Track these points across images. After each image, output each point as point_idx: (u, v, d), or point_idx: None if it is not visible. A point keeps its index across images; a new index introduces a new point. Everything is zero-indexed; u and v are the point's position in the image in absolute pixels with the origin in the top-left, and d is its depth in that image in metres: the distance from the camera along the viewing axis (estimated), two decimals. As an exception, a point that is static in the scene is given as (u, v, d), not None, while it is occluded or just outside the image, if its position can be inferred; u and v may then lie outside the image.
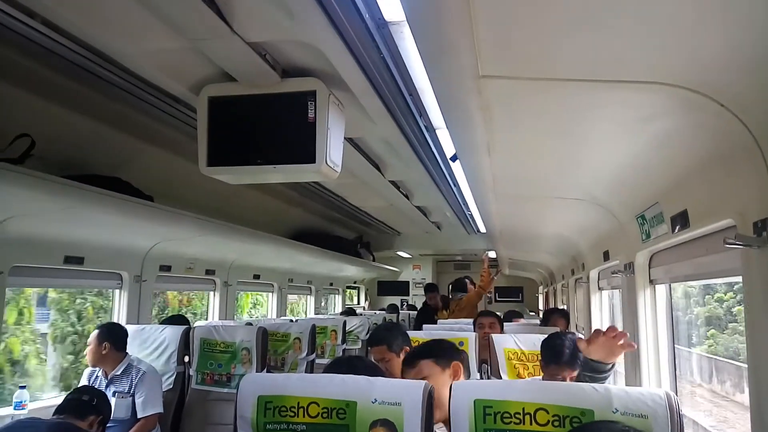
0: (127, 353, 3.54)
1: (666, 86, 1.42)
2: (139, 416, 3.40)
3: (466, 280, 7.28)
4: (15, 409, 3.13)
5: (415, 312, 9.03)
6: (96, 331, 3.48)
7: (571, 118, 1.80)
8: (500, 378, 3.25)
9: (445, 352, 2.12)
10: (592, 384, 1.44)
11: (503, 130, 1.96)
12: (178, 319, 4.40)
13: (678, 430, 1.33)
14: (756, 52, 1.24)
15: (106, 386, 3.43)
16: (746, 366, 1.62)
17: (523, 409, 1.36)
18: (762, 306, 1.47)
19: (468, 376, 3.34)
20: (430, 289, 8.33)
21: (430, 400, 1.44)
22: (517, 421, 1.36)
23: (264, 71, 2.45)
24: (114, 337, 3.52)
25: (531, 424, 1.35)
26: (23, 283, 3.54)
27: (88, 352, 3.44)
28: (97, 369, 3.50)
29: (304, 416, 1.47)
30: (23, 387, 3.22)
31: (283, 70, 2.54)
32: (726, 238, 1.49)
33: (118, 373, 3.45)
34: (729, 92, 1.38)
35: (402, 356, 2.90)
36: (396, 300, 11.07)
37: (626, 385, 3.04)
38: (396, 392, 1.45)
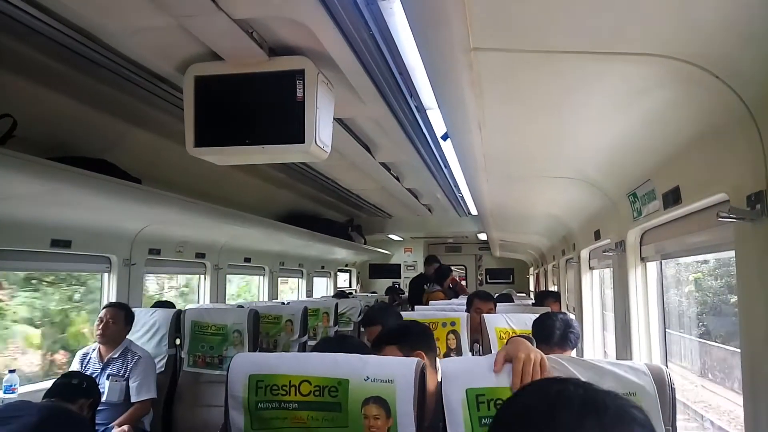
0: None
1: (660, 58, 1.39)
2: (132, 400, 3.40)
3: (451, 272, 7.32)
4: (5, 393, 3.11)
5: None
6: (123, 312, 3.53)
7: (564, 93, 1.78)
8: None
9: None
10: (582, 360, 1.45)
11: (495, 106, 1.93)
12: (164, 305, 4.39)
13: (670, 405, 1.34)
14: (752, 23, 1.22)
15: (102, 369, 3.42)
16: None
17: None
18: (756, 280, 1.47)
19: (460, 354, 3.37)
20: (428, 261, 8.38)
21: (422, 377, 1.44)
22: None
23: (251, 49, 2.40)
24: (132, 320, 3.59)
25: None
26: (8, 266, 3.50)
27: (111, 330, 3.44)
28: (91, 350, 3.50)
29: (296, 394, 1.46)
30: (13, 371, 3.20)
31: (271, 49, 2.50)
32: (720, 211, 1.48)
33: (116, 355, 3.45)
34: (724, 64, 1.36)
35: None
36: (387, 282, 11.11)
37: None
38: (388, 369, 1.44)
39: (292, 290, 8.52)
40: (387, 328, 2.24)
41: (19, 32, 2.40)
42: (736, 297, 1.63)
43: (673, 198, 2.05)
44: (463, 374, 1.41)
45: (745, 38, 1.26)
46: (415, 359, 1.47)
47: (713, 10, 1.21)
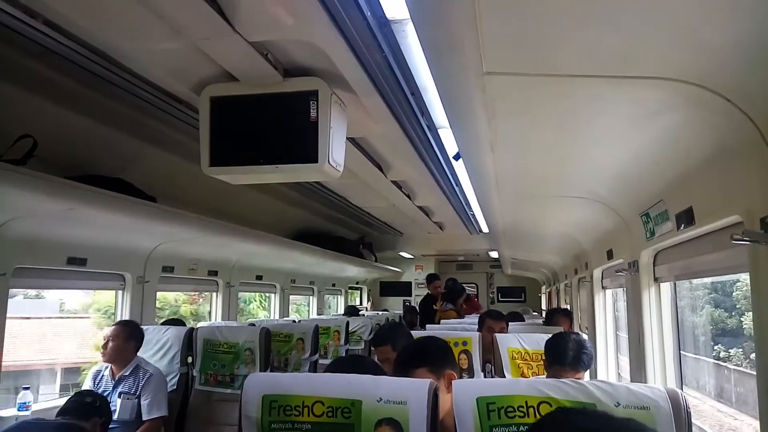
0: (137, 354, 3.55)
1: (671, 81, 1.41)
2: (144, 418, 3.39)
3: (467, 293, 7.23)
4: (19, 410, 3.12)
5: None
6: (124, 329, 3.49)
7: (576, 115, 1.79)
8: (504, 377, 3.23)
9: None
10: (594, 381, 1.45)
11: (507, 128, 1.95)
12: (175, 322, 4.40)
13: (686, 427, 1.33)
14: (762, 47, 1.23)
15: (113, 386, 3.42)
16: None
17: (526, 402, 1.37)
18: (770, 302, 1.46)
19: (472, 375, 3.34)
20: (430, 279, 8.21)
21: (435, 399, 1.43)
22: (521, 414, 1.36)
23: (266, 71, 2.44)
24: (139, 337, 3.56)
25: (535, 416, 1.35)
26: (26, 284, 3.54)
27: (110, 348, 3.41)
28: (104, 368, 3.50)
29: (309, 415, 1.46)
30: (27, 388, 3.22)
31: (285, 70, 2.54)
32: (733, 234, 1.48)
33: (127, 373, 3.44)
34: (735, 87, 1.37)
35: None
36: (398, 300, 11.06)
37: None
38: (401, 391, 1.44)
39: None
40: (411, 349, 2.18)
41: (40, 54, 2.46)
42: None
43: (686, 219, 2.05)
44: (473, 384, 1.43)
45: (755, 62, 1.27)
46: (428, 380, 1.47)
47: (722, 35, 1.22)
